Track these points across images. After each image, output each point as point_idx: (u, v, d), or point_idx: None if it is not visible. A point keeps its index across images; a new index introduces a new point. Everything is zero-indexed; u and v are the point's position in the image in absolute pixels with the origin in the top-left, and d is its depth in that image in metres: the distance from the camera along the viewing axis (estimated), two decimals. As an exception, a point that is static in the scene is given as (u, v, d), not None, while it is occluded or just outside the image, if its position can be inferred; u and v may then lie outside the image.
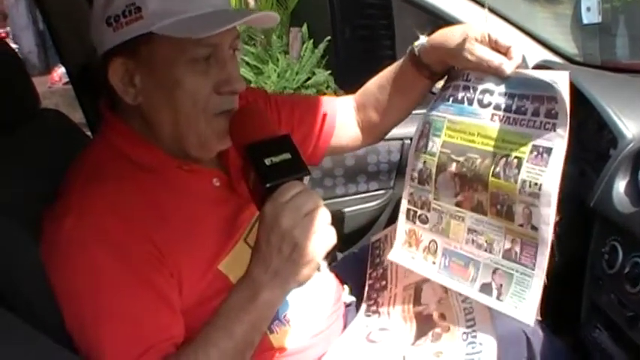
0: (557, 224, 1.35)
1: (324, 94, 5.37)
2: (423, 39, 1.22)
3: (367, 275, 1.38)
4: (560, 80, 1.02)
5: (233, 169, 1.15)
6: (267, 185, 0.94)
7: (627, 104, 1.31)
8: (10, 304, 0.91)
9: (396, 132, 1.85)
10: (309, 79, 5.45)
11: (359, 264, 1.46)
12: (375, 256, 1.40)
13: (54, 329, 0.94)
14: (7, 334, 0.83)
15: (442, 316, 1.17)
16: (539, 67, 1.58)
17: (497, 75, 1.10)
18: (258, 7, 5.89)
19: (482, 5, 1.72)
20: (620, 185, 1.21)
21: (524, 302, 1.05)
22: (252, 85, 5.32)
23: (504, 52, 1.09)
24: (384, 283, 1.31)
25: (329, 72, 5.47)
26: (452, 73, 1.21)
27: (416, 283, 1.26)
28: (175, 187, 1.07)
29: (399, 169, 1.90)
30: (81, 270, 0.96)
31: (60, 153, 1.16)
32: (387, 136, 1.84)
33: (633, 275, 1.11)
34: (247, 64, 5.48)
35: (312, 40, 5.72)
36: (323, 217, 0.94)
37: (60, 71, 6.02)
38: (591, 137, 1.41)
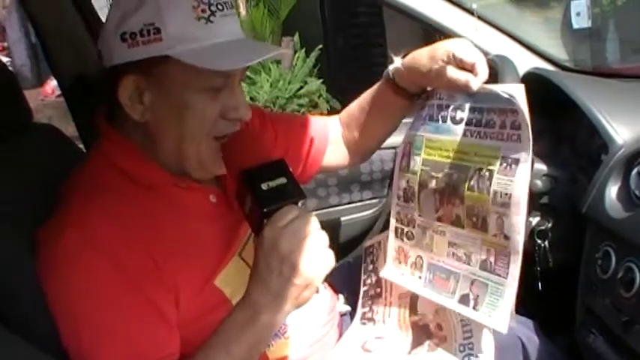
0: (548, 231, 1.36)
1: (317, 103, 5.39)
2: (397, 62, 1.25)
3: (361, 282, 1.38)
4: (517, 93, 1.04)
5: (230, 185, 1.15)
6: (265, 210, 0.96)
7: (618, 110, 1.32)
8: (5, 317, 0.91)
9: (389, 141, 1.86)
10: (301, 88, 5.46)
11: (353, 273, 1.46)
12: (368, 263, 1.40)
13: (50, 344, 0.93)
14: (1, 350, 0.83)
15: (439, 327, 1.17)
16: (529, 75, 1.58)
17: (466, 92, 1.13)
18: (250, 16, 5.90)
19: (472, 13, 1.73)
20: (612, 191, 1.21)
21: (497, 310, 1.07)
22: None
23: (470, 69, 1.11)
24: (378, 290, 1.32)
25: (321, 81, 5.48)
26: (427, 92, 1.23)
27: (412, 293, 1.27)
28: (172, 205, 1.07)
29: (392, 178, 1.90)
30: (79, 287, 0.95)
31: (53, 167, 1.15)
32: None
33: (627, 280, 1.11)
34: (240, 74, 5.49)
35: (304, 50, 5.74)
36: (321, 240, 0.96)
37: (52, 84, 6.01)
38: (583, 143, 1.41)
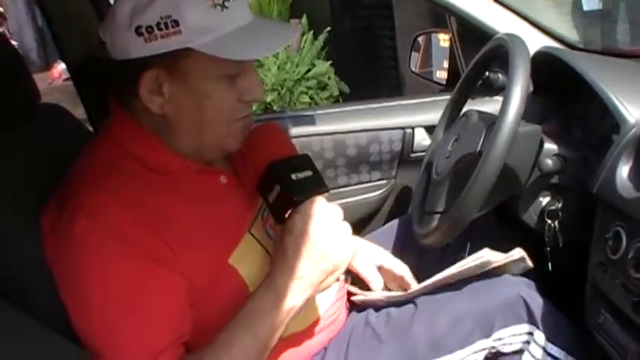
0: (559, 211, 1.36)
1: (326, 85, 5.36)
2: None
3: None
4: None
5: (242, 170, 1.18)
6: (295, 199, 1.02)
7: (630, 89, 1.30)
8: (12, 299, 0.91)
9: (398, 121, 1.85)
10: (309, 70, 5.43)
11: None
12: None
13: (52, 321, 0.94)
14: (14, 332, 0.83)
15: None
16: (539, 54, 1.57)
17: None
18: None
19: (483, -7, 1.71)
20: (623, 170, 1.20)
21: None
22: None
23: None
24: None
25: (330, 63, 5.45)
26: None
27: None
28: (184, 188, 1.08)
29: (401, 159, 1.90)
30: (93, 275, 0.96)
31: (62, 147, 1.16)
32: (390, 125, 1.83)
33: (637, 260, 1.11)
34: (247, 56, 5.46)
35: (312, 32, 5.70)
36: (346, 229, 1.03)
37: (60, 67, 6.01)
38: (594, 123, 1.40)
